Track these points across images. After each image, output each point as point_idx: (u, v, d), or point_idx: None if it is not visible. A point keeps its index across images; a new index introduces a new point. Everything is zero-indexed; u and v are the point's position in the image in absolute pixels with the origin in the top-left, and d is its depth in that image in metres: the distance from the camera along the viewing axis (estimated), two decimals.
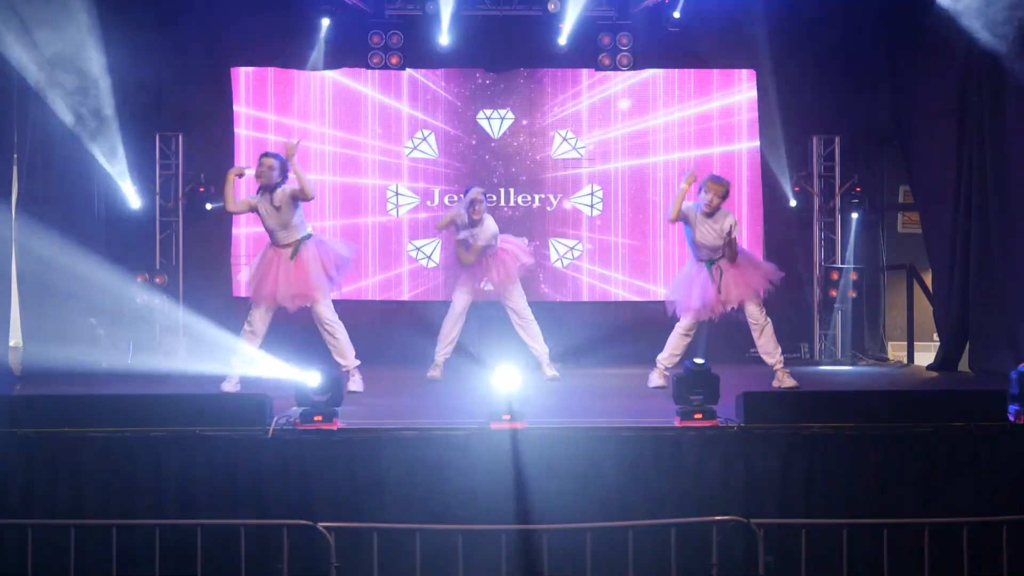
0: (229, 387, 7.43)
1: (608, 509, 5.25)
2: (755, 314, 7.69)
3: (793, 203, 10.69)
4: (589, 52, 10.55)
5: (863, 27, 10.42)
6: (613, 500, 5.32)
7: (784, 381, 7.67)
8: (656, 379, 7.86)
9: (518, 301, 8.54)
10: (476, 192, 8.32)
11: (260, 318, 7.48)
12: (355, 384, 7.58)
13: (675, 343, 7.87)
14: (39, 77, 8.81)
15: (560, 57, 10.62)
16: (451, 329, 8.55)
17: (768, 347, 7.73)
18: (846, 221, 10.75)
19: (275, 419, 5.44)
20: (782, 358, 7.79)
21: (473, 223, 8.29)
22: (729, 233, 7.56)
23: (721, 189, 7.71)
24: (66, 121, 9.34)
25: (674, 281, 8.27)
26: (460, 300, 8.56)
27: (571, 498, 5.30)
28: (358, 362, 7.67)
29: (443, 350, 8.56)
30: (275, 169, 7.42)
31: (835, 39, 10.42)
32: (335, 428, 5.40)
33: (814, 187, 10.78)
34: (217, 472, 5.29)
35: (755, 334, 7.74)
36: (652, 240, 10.70)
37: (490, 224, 8.36)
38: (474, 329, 9.27)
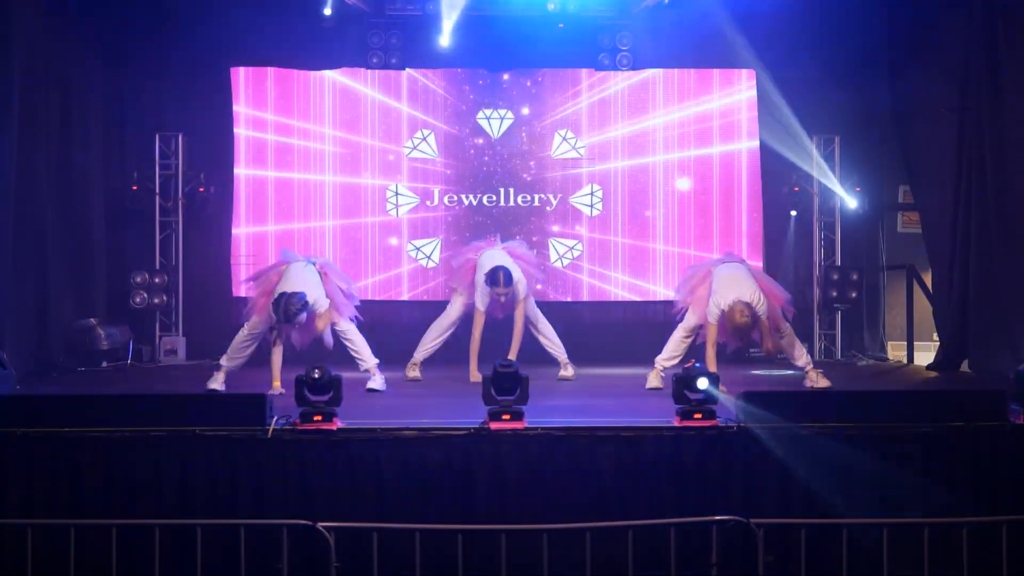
0: (215, 384, 7.44)
1: (608, 509, 5.25)
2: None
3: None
4: (589, 52, 10.56)
5: (863, 27, 10.42)
6: (613, 500, 5.32)
7: (818, 382, 7.66)
8: (653, 380, 7.86)
9: (529, 309, 8.54)
10: (499, 290, 8.10)
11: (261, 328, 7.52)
12: (376, 383, 7.69)
13: (675, 345, 7.86)
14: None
15: (560, 57, 10.62)
16: (441, 333, 8.55)
17: (792, 352, 7.74)
18: (844, 219, 10.78)
19: (275, 419, 5.44)
20: (810, 359, 7.85)
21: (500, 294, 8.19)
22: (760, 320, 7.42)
23: (746, 320, 7.33)
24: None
25: (683, 284, 8.17)
26: (457, 308, 8.54)
27: (571, 498, 5.30)
28: (377, 360, 7.77)
29: (425, 351, 8.55)
30: (304, 320, 7.31)
31: (835, 39, 10.42)
32: (335, 428, 5.40)
33: (814, 187, 10.78)
34: (217, 472, 5.29)
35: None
36: (652, 240, 10.70)
37: (518, 280, 8.25)
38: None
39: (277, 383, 7.31)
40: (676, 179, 10.69)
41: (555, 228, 10.70)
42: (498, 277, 8.08)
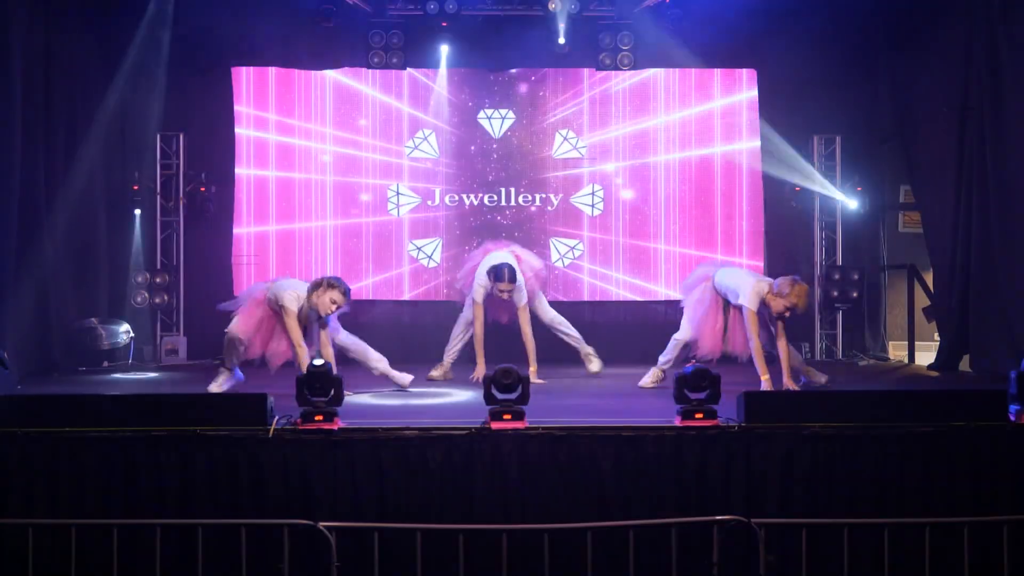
0: (216, 387, 7.43)
1: (608, 509, 5.25)
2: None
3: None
4: (590, 52, 10.56)
5: (864, 27, 10.42)
6: (613, 500, 5.32)
7: (814, 378, 7.65)
8: (647, 379, 7.87)
9: (545, 312, 8.69)
10: (501, 286, 8.17)
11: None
12: (400, 379, 7.77)
13: (671, 349, 7.92)
14: None
15: (561, 57, 10.61)
16: (463, 332, 8.59)
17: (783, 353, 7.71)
18: (845, 219, 10.78)
19: (276, 419, 5.44)
20: (800, 356, 7.95)
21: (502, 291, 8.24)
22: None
23: (803, 297, 7.31)
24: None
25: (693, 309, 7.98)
26: (470, 312, 8.54)
27: (571, 498, 5.31)
28: (384, 360, 7.83)
29: (452, 351, 8.60)
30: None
31: (836, 39, 10.42)
32: (335, 428, 5.40)
33: (814, 187, 10.77)
34: (217, 472, 5.29)
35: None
36: (653, 240, 10.70)
37: (520, 286, 8.30)
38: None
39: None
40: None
41: (556, 228, 10.69)
42: (503, 272, 8.15)
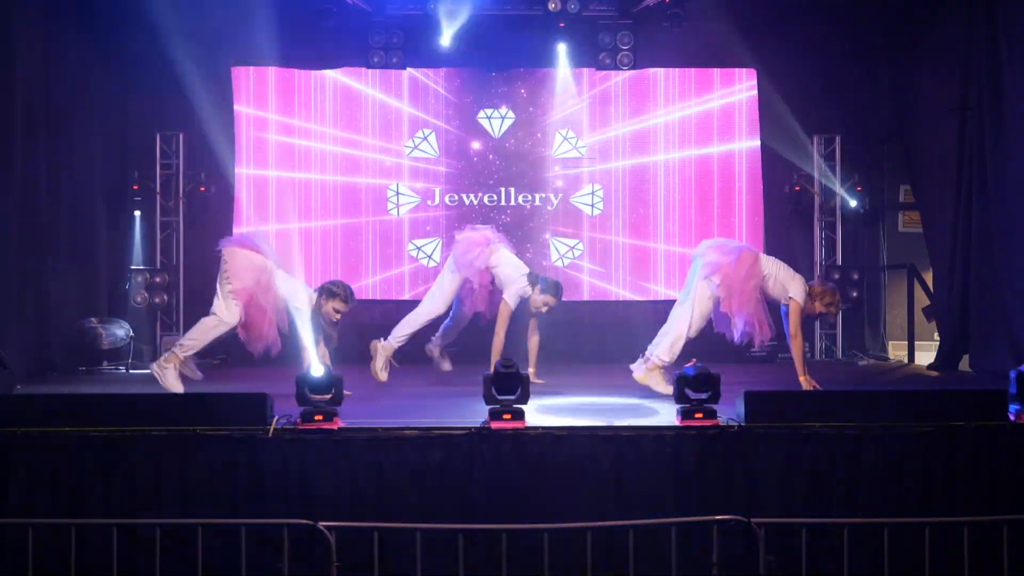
0: (173, 381, 7.32)
1: (608, 509, 5.25)
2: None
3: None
4: (589, 51, 10.56)
5: (864, 26, 10.42)
6: (613, 500, 5.32)
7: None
8: (652, 380, 7.76)
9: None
10: (552, 303, 7.90)
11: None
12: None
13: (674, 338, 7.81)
14: None
15: (560, 56, 10.61)
16: (421, 323, 8.10)
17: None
18: (845, 218, 10.79)
19: (275, 418, 5.44)
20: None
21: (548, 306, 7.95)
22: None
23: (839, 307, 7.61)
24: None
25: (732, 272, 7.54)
26: (450, 290, 8.06)
27: (571, 498, 5.31)
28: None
29: (400, 338, 8.05)
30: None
31: (835, 38, 10.42)
32: (335, 428, 5.40)
33: (814, 187, 10.78)
34: (217, 472, 5.29)
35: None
36: (653, 239, 10.71)
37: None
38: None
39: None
40: (677, 180, 10.70)
41: (556, 228, 10.69)
42: (561, 291, 7.96)
